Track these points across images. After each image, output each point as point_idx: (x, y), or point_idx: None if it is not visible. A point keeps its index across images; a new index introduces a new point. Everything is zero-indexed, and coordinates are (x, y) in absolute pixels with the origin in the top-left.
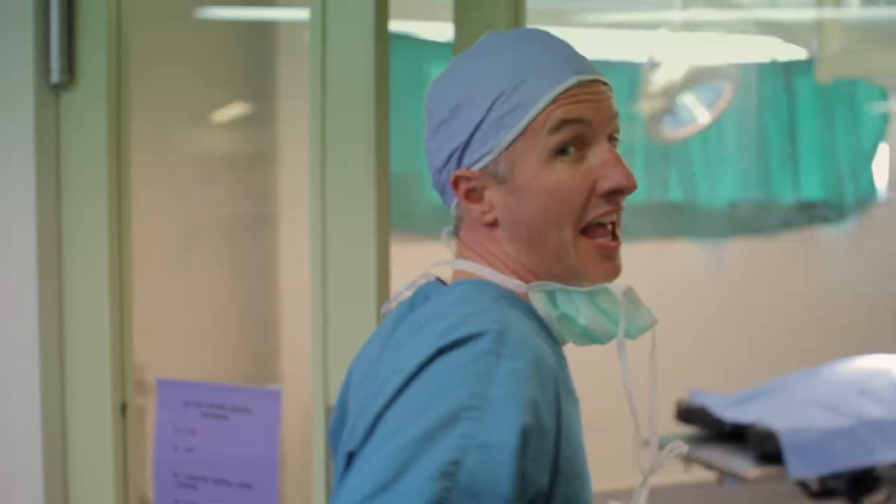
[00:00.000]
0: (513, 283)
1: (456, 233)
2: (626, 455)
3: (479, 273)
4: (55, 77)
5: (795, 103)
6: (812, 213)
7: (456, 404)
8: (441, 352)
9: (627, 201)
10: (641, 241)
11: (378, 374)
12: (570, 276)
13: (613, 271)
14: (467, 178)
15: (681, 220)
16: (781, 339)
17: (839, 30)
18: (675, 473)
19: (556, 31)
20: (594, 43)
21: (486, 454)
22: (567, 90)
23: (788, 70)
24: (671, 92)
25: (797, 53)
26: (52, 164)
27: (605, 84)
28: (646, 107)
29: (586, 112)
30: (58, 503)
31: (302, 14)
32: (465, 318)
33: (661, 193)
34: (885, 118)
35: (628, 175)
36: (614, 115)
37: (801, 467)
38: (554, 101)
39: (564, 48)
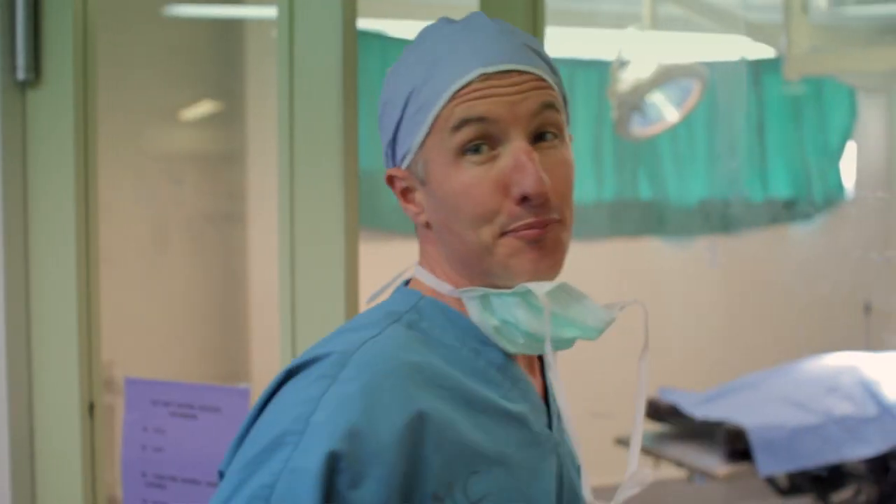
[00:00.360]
0: (446, 289)
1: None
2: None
3: (421, 278)
4: (21, 74)
5: (764, 102)
6: (781, 211)
7: (281, 429)
8: (290, 374)
9: (597, 199)
10: (611, 239)
11: None
12: (501, 277)
13: (545, 264)
14: (399, 178)
15: (650, 219)
16: (751, 336)
17: (807, 29)
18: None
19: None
20: (563, 42)
21: (293, 479)
22: (468, 84)
23: (757, 69)
24: (640, 90)
25: (766, 52)
26: (18, 162)
27: (527, 74)
28: (615, 105)
29: (491, 108)
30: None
31: (270, 12)
32: (326, 339)
33: (630, 192)
34: (852, 117)
35: (538, 180)
36: (537, 110)
37: (771, 464)
38: (455, 96)
39: (479, 37)
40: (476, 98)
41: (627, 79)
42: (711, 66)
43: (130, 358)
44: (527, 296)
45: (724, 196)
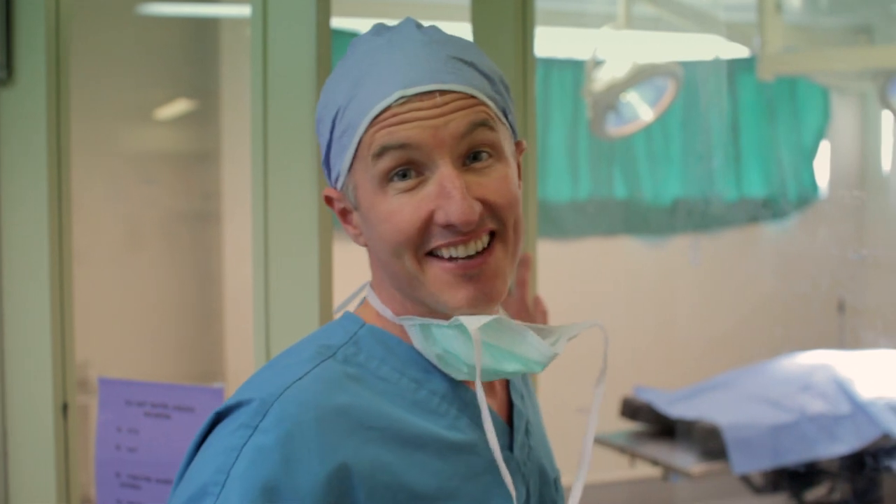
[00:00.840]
0: (388, 314)
1: None
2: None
3: (370, 300)
4: None
5: (738, 101)
6: (755, 211)
7: (205, 479)
8: (218, 418)
9: (573, 198)
10: (586, 238)
11: None
12: (435, 306)
13: (478, 297)
14: (336, 199)
15: (625, 218)
16: (725, 335)
17: (781, 29)
18: (620, 469)
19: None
20: (538, 41)
21: None
22: (388, 109)
23: (731, 68)
24: (615, 89)
25: (740, 52)
26: None
27: (451, 93)
28: (590, 104)
29: (412, 135)
30: None
31: (244, 11)
32: (255, 377)
33: (605, 191)
34: (826, 116)
35: (464, 208)
36: (464, 131)
37: (745, 462)
38: (374, 122)
39: (401, 54)
40: (396, 123)
41: (603, 78)
42: (686, 65)
43: (104, 358)
44: (461, 328)
45: (698, 195)
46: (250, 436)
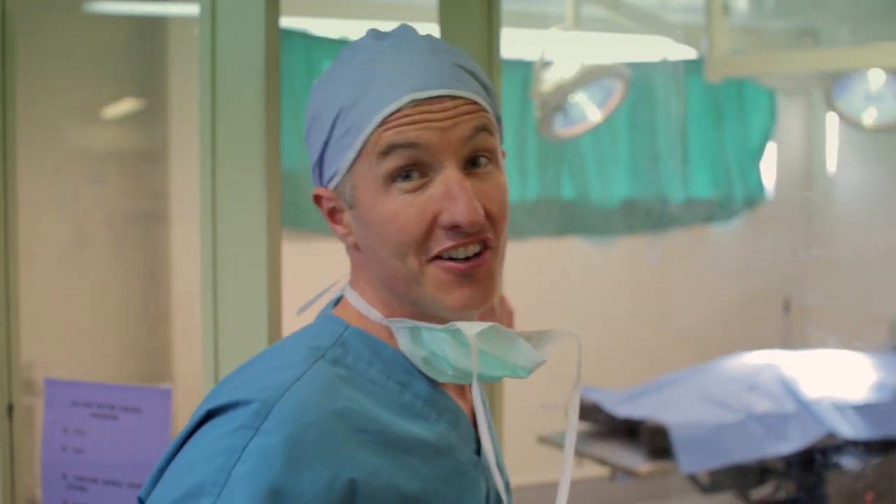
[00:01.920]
0: (374, 316)
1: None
2: None
3: (352, 301)
4: None
5: (685, 103)
6: (702, 211)
7: (202, 478)
8: (210, 415)
9: (521, 199)
10: (534, 239)
11: None
12: (430, 307)
13: (475, 298)
14: (326, 198)
15: (573, 218)
16: (672, 335)
17: (728, 31)
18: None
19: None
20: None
21: None
22: (399, 110)
23: (678, 70)
24: (563, 90)
25: (688, 53)
26: None
27: (459, 98)
28: (538, 105)
29: (422, 135)
30: None
31: (192, 9)
32: (248, 377)
33: (553, 191)
34: (772, 118)
35: (470, 210)
36: (469, 135)
37: (692, 462)
38: (384, 122)
39: (409, 58)
40: (406, 124)
41: (550, 79)
42: (634, 66)
43: (50, 359)
44: (456, 333)
45: (646, 196)
46: (252, 437)
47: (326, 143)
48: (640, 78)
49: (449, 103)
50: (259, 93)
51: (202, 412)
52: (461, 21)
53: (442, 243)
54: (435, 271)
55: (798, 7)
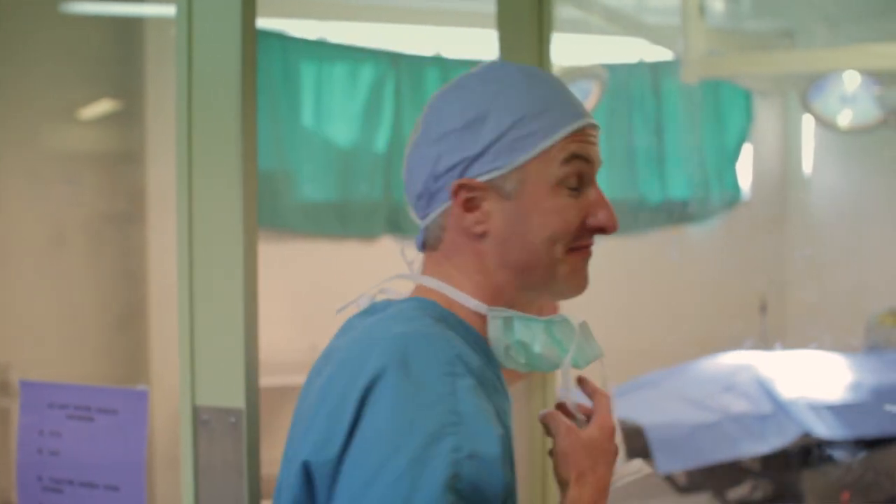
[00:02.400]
0: (472, 304)
1: (424, 247)
2: None
3: (444, 291)
4: None
5: (662, 104)
6: (678, 213)
7: (435, 423)
8: (397, 370)
9: None
10: None
11: (315, 386)
12: (556, 289)
13: (585, 284)
14: (470, 188)
15: None
16: (649, 336)
17: (704, 33)
18: None
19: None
20: (464, 44)
21: (478, 464)
22: (580, 130)
23: (655, 71)
24: None
25: (664, 55)
26: None
27: (598, 130)
28: None
29: (590, 152)
30: None
31: (169, 10)
32: (422, 337)
33: None
34: (748, 119)
35: (614, 218)
36: (601, 161)
37: (669, 462)
38: (570, 135)
39: (571, 92)
40: (584, 142)
41: None
42: (610, 68)
43: (26, 360)
44: (552, 323)
45: (622, 197)
46: (454, 381)
47: (496, 141)
48: (616, 80)
49: (594, 132)
50: (235, 93)
51: (367, 379)
52: (516, 28)
53: (584, 239)
54: (573, 259)
55: (774, 9)
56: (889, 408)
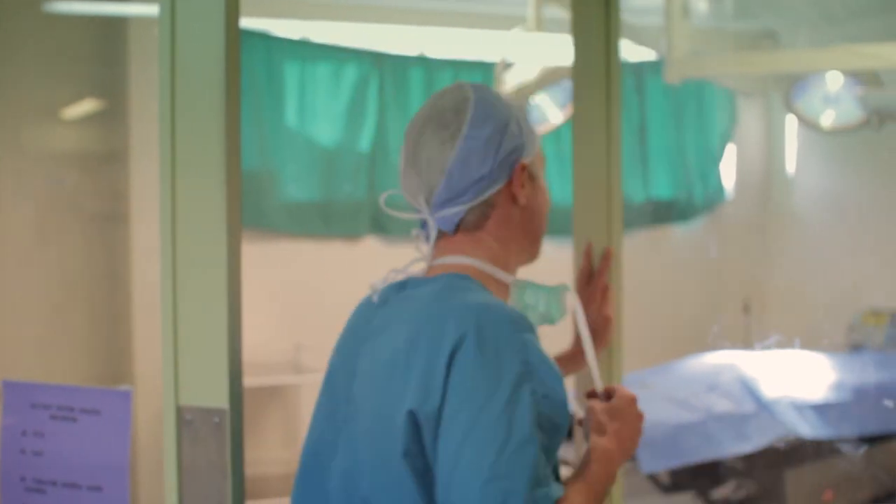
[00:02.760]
0: (502, 275)
1: (458, 229)
2: None
3: (482, 268)
4: None
5: (645, 104)
6: (662, 212)
7: (518, 369)
8: (475, 334)
9: None
10: None
11: (384, 349)
12: (532, 258)
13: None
14: (524, 168)
15: None
16: (633, 336)
17: (687, 32)
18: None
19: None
20: (448, 43)
21: (550, 403)
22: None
23: (639, 71)
24: (524, 92)
25: (647, 55)
26: None
27: None
28: None
29: None
30: None
31: (152, 10)
32: (486, 304)
33: None
34: (732, 119)
35: None
36: None
37: (653, 461)
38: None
39: None
40: None
41: (512, 80)
42: None
43: (9, 361)
44: (556, 290)
45: None
46: (521, 336)
47: (528, 134)
48: None
49: None
50: (219, 93)
51: (452, 344)
52: (587, 30)
53: None
54: None
55: (757, 9)
56: (871, 407)
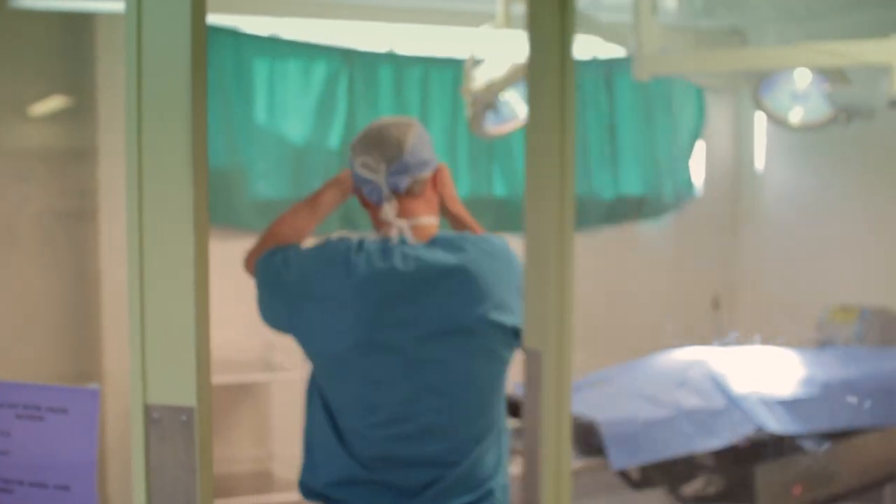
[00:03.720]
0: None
1: (407, 192)
2: None
3: (434, 223)
4: None
5: (615, 101)
6: (631, 209)
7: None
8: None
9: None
10: None
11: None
12: None
13: None
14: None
15: (505, 216)
16: (602, 332)
17: (657, 29)
18: None
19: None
20: (417, 39)
21: None
22: None
23: (608, 68)
24: (493, 88)
25: (616, 52)
26: None
27: None
28: (469, 103)
29: None
30: None
31: (119, 6)
32: (491, 238)
33: (485, 189)
34: (701, 116)
35: None
36: None
37: (622, 458)
38: None
39: None
40: None
41: (481, 77)
42: None
43: None
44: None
45: (576, 193)
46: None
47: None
48: None
49: None
50: (185, 90)
51: (518, 268)
52: (541, 24)
53: None
54: None
55: (726, 7)
56: (840, 402)
